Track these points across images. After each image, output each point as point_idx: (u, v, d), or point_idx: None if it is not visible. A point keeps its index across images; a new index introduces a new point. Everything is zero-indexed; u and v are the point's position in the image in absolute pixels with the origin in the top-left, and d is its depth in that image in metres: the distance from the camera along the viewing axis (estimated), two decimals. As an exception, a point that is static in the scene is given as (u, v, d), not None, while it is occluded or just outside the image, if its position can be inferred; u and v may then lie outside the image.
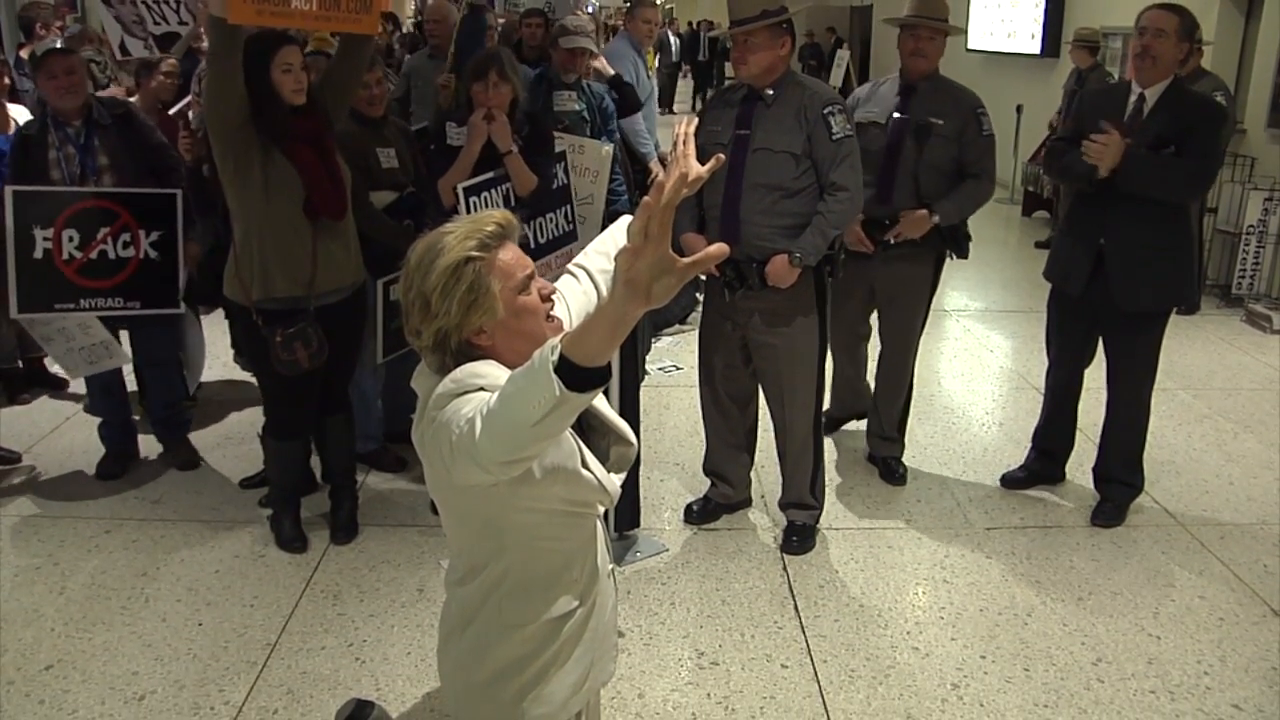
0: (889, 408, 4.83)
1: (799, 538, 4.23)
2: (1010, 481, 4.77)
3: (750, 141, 3.86)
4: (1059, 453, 4.75)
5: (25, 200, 4.27)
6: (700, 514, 4.43)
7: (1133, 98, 4.14)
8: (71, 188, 4.36)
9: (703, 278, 4.20)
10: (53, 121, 4.40)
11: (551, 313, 1.90)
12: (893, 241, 4.45)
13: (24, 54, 6.32)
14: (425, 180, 4.48)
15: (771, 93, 3.87)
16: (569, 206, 4.43)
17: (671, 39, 20.24)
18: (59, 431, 5.34)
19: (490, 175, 4.07)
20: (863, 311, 4.88)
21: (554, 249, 4.30)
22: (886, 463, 4.87)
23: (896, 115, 4.45)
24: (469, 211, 3.87)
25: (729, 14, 3.86)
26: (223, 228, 4.16)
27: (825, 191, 3.86)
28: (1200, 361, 6.53)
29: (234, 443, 5.13)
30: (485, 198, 4.02)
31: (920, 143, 4.39)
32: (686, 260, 1.43)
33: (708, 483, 4.48)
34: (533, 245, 4.20)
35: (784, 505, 4.33)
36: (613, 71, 6.13)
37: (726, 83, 4.24)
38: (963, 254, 4.62)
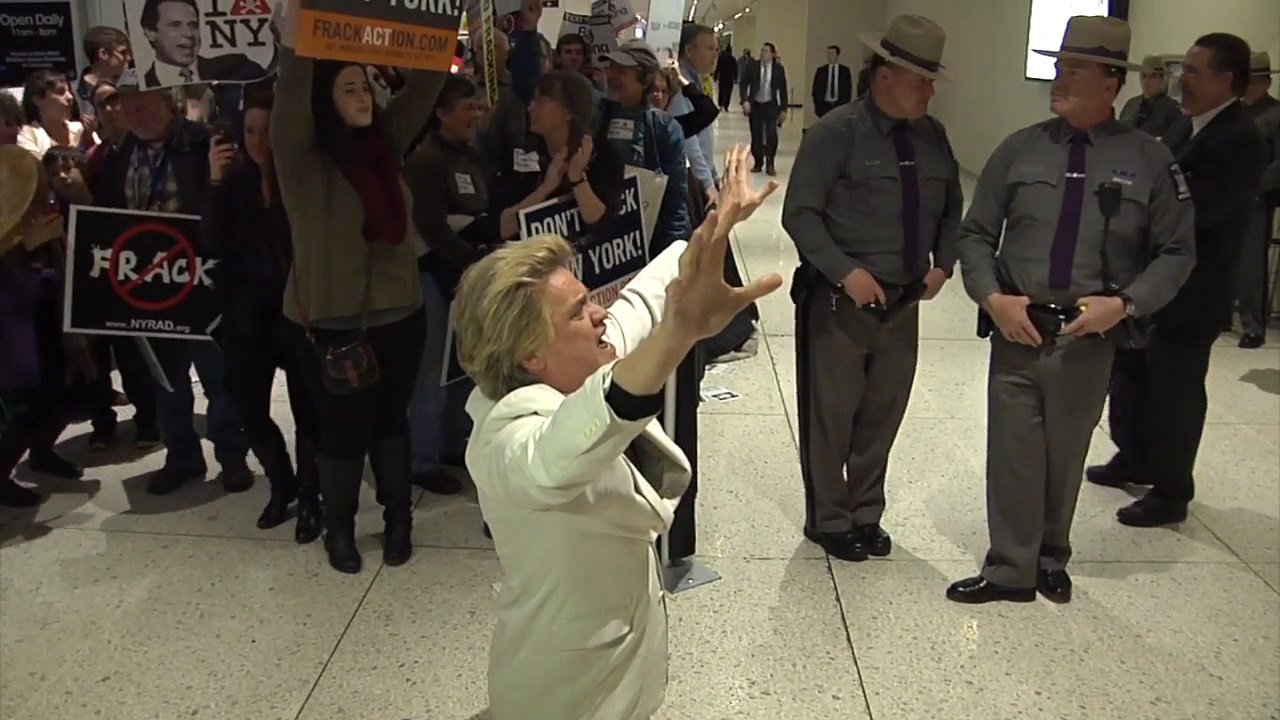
0: (1057, 516, 4.02)
1: (882, 541, 4.41)
2: (1096, 476, 4.88)
3: (918, 172, 3.95)
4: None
5: (88, 220, 4.41)
6: (845, 545, 4.37)
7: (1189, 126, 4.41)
8: (134, 211, 4.46)
9: (832, 307, 4.06)
10: (137, 141, 4.52)
11: (604, 338, 1.90)
12: (1069, 334, 3.62)
13: (89, 79, 6.41)
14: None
15: (912, 122, 3.96)
16: (638, 232, 4.46)
17: (767, 69, 16.21)
18: (118, 447, 5.43)
19: (555, 202, 4.11)
20: (1039, 418, 3.86)
21: (621, 274, 4.32)
22: (1046, 578, 4.08)
23: (1071, 175, 3.61)
24: (530, 236, 3.93)
25: (926, 54, 3.79)
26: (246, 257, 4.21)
27: (955, 206, 4.13)
28: (1265, 396, 6.39)
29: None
30: (549, 224, 4.07)
31: (1106, 212, 3.55)
32: (739, 290, 1.43)
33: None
34: (597, 270, 4.23)
35: (865, 504, 4.44)
36: (687, 81, 6.14)
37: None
38: (1143, 341, 3.77)
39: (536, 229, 4.05)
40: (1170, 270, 3.58)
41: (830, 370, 4.16)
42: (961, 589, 4.06)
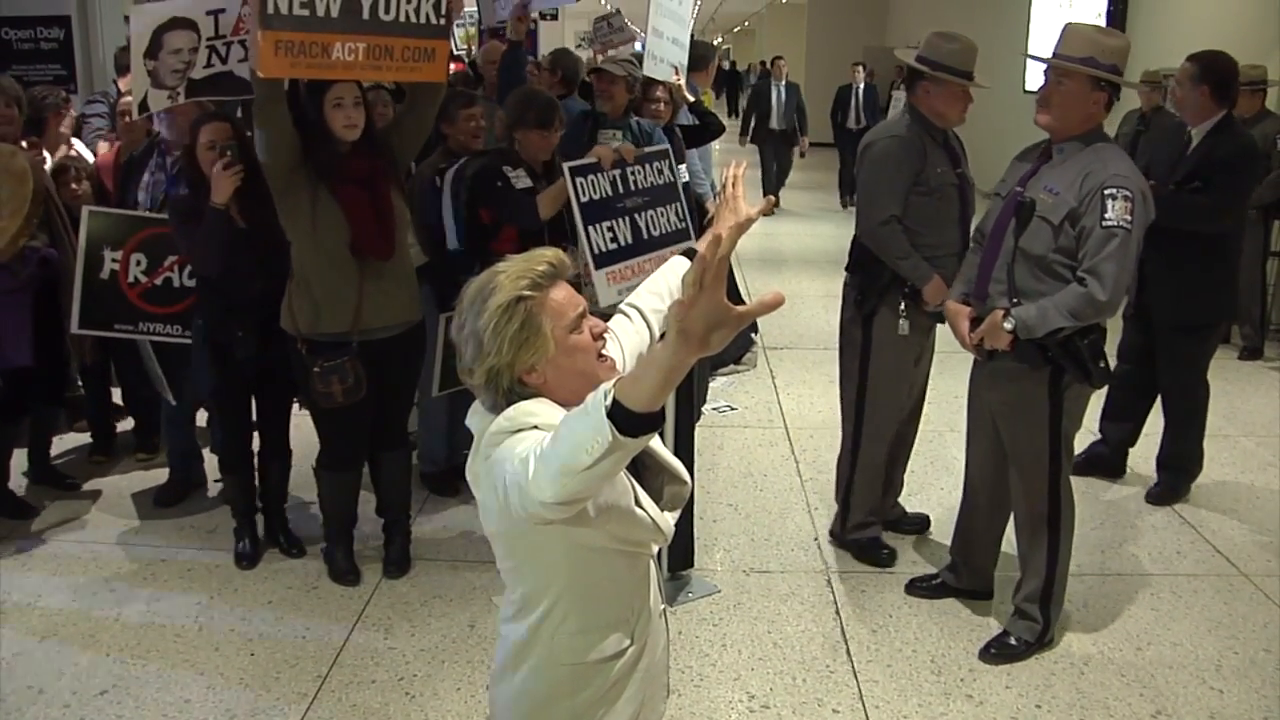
0: (1024, 570, 3.77)
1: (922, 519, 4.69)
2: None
3: (966, 178, 4.16)
4: (1122, 444, 5.24)
5: (99, 220, 4.45)
6: (873, 550, 4.41)
7: (1188, 136, 4.77)
8: (147, 214, 4.48)
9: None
10: (159, 147, 4.55)
11: (604, 351, 1.90)
12: (987, 348, 3.56)
13: (122, 85, 6.47)
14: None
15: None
16: (680, 204, 4.43)
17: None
18: (117, 459, 5.42)
19: (594, 160, 4.14)
20: (998, 443, 3.79)
21: (667, 244, 4.28)
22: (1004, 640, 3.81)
23: (1017, 189, 3.51)
24: (575, 192, 4.01)
25: (965, 66, 3.93)
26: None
27: None
28: (1265, 409, 6.39)
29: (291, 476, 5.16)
30: (593, 181, 4.10)
31: (1018, 227, 3.45)
32: (741, 309, 1.43)
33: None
34: (645, 236, 4.23)
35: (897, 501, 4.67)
36: (693, 98, 6.16)
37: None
38: (1085, 377, 3.45)
39: (581, 184, 4.07)
40: (1066, 299, 3.32)
41: (894, 376, 4.23)
42: (920, 584, 4.19)
